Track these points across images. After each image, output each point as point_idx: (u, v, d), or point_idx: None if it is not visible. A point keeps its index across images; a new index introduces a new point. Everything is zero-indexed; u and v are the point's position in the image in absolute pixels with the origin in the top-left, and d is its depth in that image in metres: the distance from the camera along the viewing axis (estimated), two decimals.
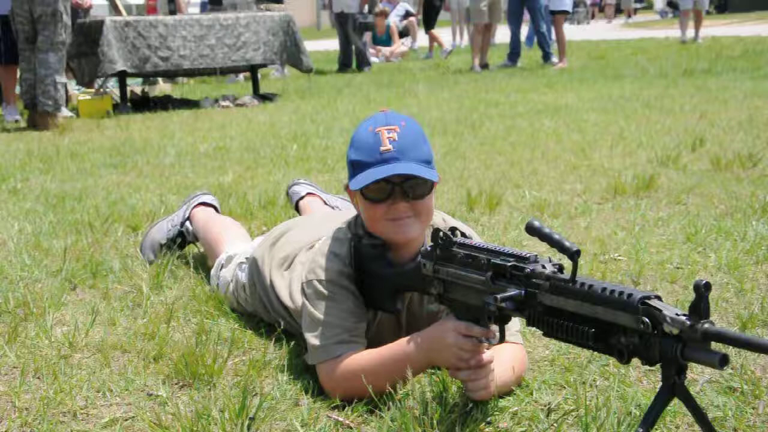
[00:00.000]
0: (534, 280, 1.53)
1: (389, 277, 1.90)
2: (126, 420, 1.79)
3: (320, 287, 1.92)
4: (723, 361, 1.25)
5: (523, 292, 1.54)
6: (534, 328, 1.57)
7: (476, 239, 1.96)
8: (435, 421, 1.66)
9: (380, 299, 1.94)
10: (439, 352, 1.76)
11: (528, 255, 1.58)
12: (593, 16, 35.68)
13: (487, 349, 1.75)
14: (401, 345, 1.82)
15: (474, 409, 1.74)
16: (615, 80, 9.19)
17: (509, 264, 1.58)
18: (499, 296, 1.54)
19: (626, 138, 5.28)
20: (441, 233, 1.75)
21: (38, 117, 6.97)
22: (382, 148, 1.84)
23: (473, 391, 1.75)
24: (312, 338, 1.90)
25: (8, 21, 7.09)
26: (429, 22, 16.45)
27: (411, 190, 1.86)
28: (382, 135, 1.85)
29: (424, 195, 1.88)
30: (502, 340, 1.70)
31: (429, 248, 1.78)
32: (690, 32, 14.72)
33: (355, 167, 1.89)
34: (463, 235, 1.79)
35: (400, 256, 1.92)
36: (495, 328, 1.69)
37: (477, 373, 1.74)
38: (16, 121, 7.40)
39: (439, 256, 1.75)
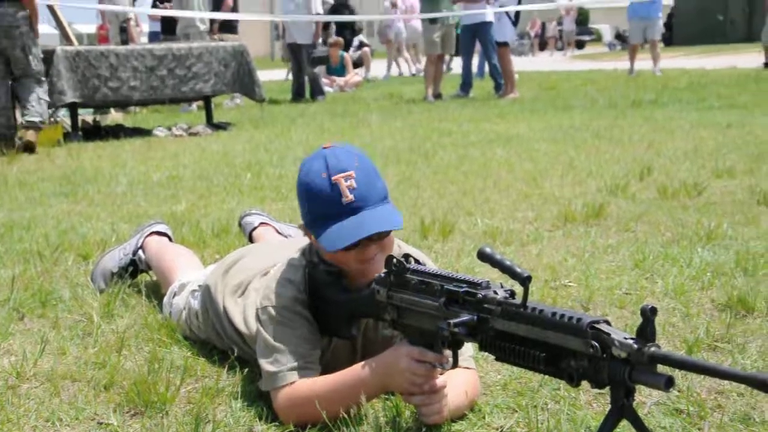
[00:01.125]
0: (486, 305, 1.55)
1: (344, 304, 1.91)
2: None
3: (274, 313, 1.93)
4: (669, 383, 1.29)
5: (475, 317, 1.56)
6: (486, 354, 1.60)
7: (430, 265, 1.98)
8: None
9: (335, 325, 1.94)
10: (392, 377, 1.77)
11: (480, 281, 1.60)
12: (542, 48, 36.36)
13: (441, 374, 1.77)
14: (355, 370, 1.83)
15: None
16: (565, 111, 9.36)
17: (462, 290, 1.61)
18: (452, 321, 1.56)
19: (576, 167, 5.38)
20: (394, 260, 1.76)
21: (26, 134, 7.01)
22: (344, 200, 1.83)
23: (426, 415, 1.76)
24: (266, 365, 1.90)
25: None
26: None
27: (379, 234, 1.87)
28: (341, 185, 1.83)
29: (390, 233, 1.91)
30: (455, 365, 1.72)
31: (383, 275, 1.80)
32: (639, 64, 14.91)
33: (318, 221, 1.88)
34: (416, 261, 1.81)
35: (356, 283, 1.94)
36: (448, 353, 1.71)
37: (430, 397, 1.75)
38: None
39: (393, 283, 1.77)
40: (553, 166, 5.45)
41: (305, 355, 1.90)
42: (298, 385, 1.85)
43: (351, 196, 1.83)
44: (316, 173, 1.87)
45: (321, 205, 1.86)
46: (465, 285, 1.62)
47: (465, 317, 1.57)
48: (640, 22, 14.22)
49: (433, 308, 1.66)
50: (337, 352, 2.02)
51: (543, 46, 37.39)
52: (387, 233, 1.90)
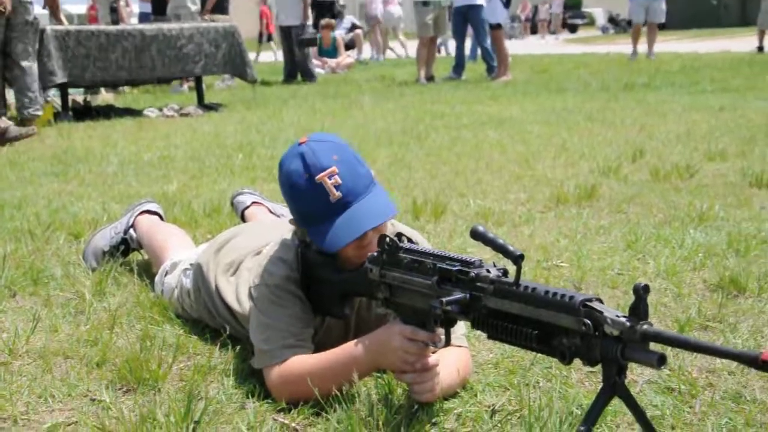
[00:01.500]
0: (479, 283, 1.55)
1: (337, 283, 1.90)
2: (68, 425, 1.76)
3: (266, 292, 1.92)
4: (661, 360, 1.29)
5: (468, 295, 1.56)
6: (479, 332, 1.60)
7: (423, 244, 1.98)
8: (381, 423, 1.67)
9: (328, 304, 1.94)
10: (384, 355, 1.77)
11: (473, 260, 1.60)
12: (533, 32, 36.25)
13: (433, 352, 1.77)
14: (348, 348, 1.83)
15: (419, 410, 1.76)
16: (558, 93, 9.35)
17: (455, 268, 1.60)
18: (444, 299, 1.56)
19: (569, 149, 5.38)
20: (387, 239, 1.76)
21: (27, 123, 6.95)
22: (331, 199, 1.80)
23: (418, 393, 1.76)
24: (259, 342, 1.90)
25: None
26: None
27: None
28: (326, 184, 1.80)
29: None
30: (447, 343, 1.72)
31: (376, 253, 1.79)
32: (641, 48, 14.58)
33: (309, 219, 1.86)
34: (409, 240, 1.80)
35: (349, 263, 1.93)
36: (441, 331, 1.71)
37: (422, 376, 1.75)
38: None
39: (385, 261, 1.76)
40: (545, 148, 5.45)
41: (297, 333, 1.90)
42: (291, 363, 1.85)
43: (338, 194, 1.80)
44: (297, 174, 1.82)
45: (308, 206, 1.83)
46: (458, 263, 1.61)
47: (458, 295, 1.56)
48: (644, 1, 13.98)
49: (426, 287, 1.65)
50: (329, 331, 2.02)
51: (534, 30, 37.26)
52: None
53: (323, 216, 1.82)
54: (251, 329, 1.94)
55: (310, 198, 1.81)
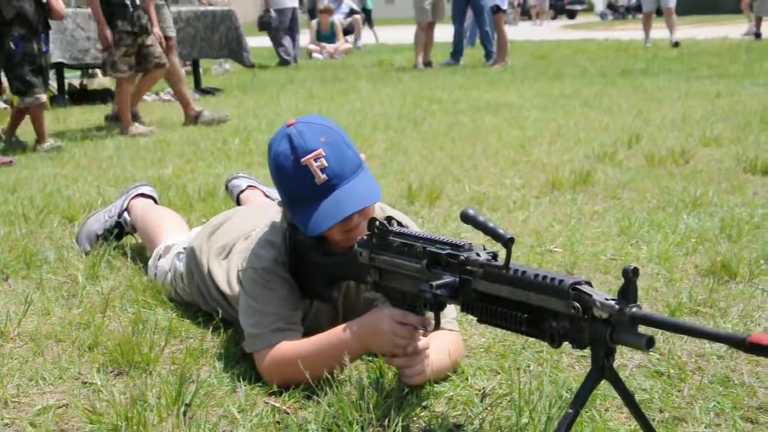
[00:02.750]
0: (468, 267, 1.54)
1: (325, 266, 1.90)
2: (59, 407, 1.77)
3: (255, 275, 1.92)
4: (649, 343, 1.29)
5: (457, 279, 1.55)
6: (470, 316, 1.60)
7: (413, 228, 1.99)
8: (371, 406, 1.67)
9: (317, 288, 1.94)
10: (375, 339, 1.77)
11: (463, 243, 1.59)
12: (532, 17, 36.00)
13: (423, 336, 1.77)
14: (338, 332, 1.83)
15: (410, 394, 1.76)
16: (556, 79, 9.33)
17: (444, 252, 1.60)
18: (434, 283, 1.55)
19: (565, 135, 5.37)
20: (377, 222, 1.75)
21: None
22: (317, 181, 1.79)
23: (409, 377, 1.77)
24: (249, 327, 1.90)
25: None
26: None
27: None
28: (311, 166, 1.78)
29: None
30: (437, 327, 1.71)
31: (365, 237, 1.79)
32: (654, 34, 14.08)
33: (295, 201, 1.85)
34: (399, 224, 1.80)
35: (338, 247, 1.93)
36: (431, 315, 1.71)
37: (413, 359, 1.75)
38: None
39: (375, 245, 1.76)
40: (541, 134, 5.45)
41: (287, 316, 1.90)
42: (281, 347, 1.85)
43: (323, 176, 1.78)
44: (284, 156, 1.80)
45: (294, 188, 1.82)
46: (448, 247, 1.60)
47: (447, 279, 1.56)
48: None
49: (416, 270, 1.65)
50: (319, 315, 2.02)
51: (525, 15, 36.96)
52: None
53: (308, 198, 1.81)
54: (240, 313, 1.95)
55: (295, 180, 1.80)
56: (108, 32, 5.90)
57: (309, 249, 1.90)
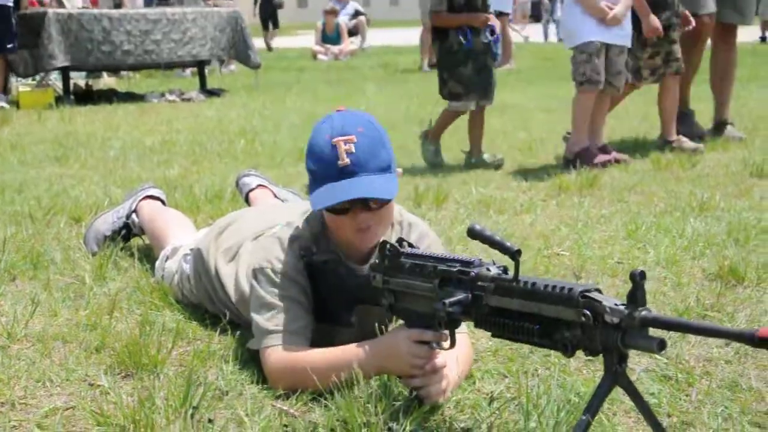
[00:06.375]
0: (479, 282, 1.56)
1: (342, 291, 1.91)
2: (66, 409, 1.76)
3: (273, 276, 1.91)
4: (661, 345, 1.30)
5: (469, 295, 1.57)
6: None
7: (429, 234, 2.04)
8: (379, 410, 1.67)
9: (335, 312, 1.94)
10: (392, 360, 1.75)
11: (473, 259, 1.61)
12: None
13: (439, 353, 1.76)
14: (353, 349, 1.80)
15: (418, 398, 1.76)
16: (562, 81, 9.28)
17: (455, 269, 1.61)
18: (447, 301, 1.57)
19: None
20: (388, 245, 1.77)
21: None
22: (339, 163, 1.82)
23: (428, 396, 1.73)
24: (263, 322, 1.88)
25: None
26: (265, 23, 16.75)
27: (371, 202, 1.86)
28: (339, 147, 1.82)
29: (384, 204, 1.89)
30: (452, 344, 1.71)
31: (377, 260, 1.80)
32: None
33: (315, 178, 1.87)
34: (410, 245, 1.80)
35: (351, 255, 1.94)
36: (446, 333, 1.71)
37: (431, 378, 1.73)
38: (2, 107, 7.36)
39: (387, 267, 1.77)
40: (548, 136, 5.45)
41: (301, 322, 1.89)
42: (293, 352, 1.84)
43: (347, 160, 1.82)
44: (322, 133, 1.86)
45: (319, 165, 1.86)
46: (458, 264, 1.62)
47: (460, 296, 1.58)
48: None
49: (428, 290, 1.66)
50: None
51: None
52: (381, 204, 1.88)
53: (326, 177, 1.83)
54: (253, 308, 1.93)
55: (321, 156, 1.84)
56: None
57: (324, 273, 1.91)
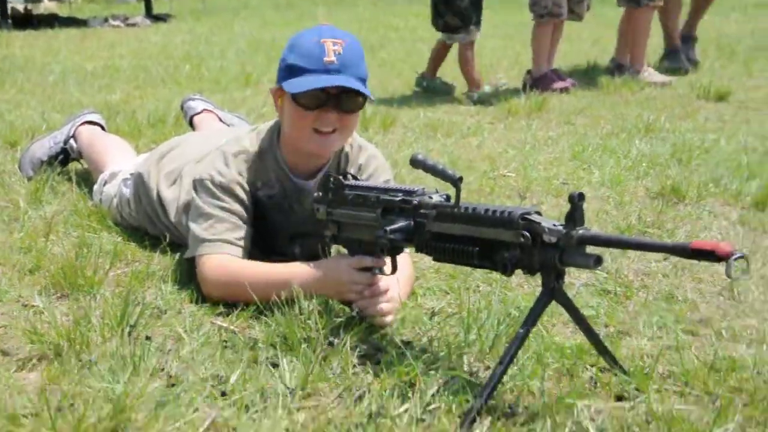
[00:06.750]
0: (422, 210, 1.58)
1: (286, 225, 1.92)
2: None
3: (212, 187, 1.91)
4: (597, 261, 1.32)
5: (411, 222, 1.59)
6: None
7: (377, 157, 2.06)
8: (320, 326, 1.66)
9: (279, 246, 1.96)
10: (332, 287, 1.75)
11: (415, 188, 1.63)
12: None
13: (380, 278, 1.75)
14: (293, 269, 1.80)
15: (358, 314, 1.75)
16: (517, 8, 9.23)
17: (398, 199, 1.63)
18: (388, 228, 1.59)
19: (522, 62, 5.34)
20: (332, 177, 1.77)
21: None
22: (326, 59, 1.82)
23: (371, 318, 1.73)
24: (199, 231, 1.88)
25: None
26: None
27: (344, 102, 1.86)
28: (328, 46, 1.83)
29: (355, 110, 1.89)
30: (394, 270, 1.72)
31: (321, 193, 1.80)
32: None
33: (293, 71, 1.86)
34: (354, 177, 1.81)
35: (302, 168, 1.93)
36: (387, 259, 1.72)
37: (372, 301, 1.74)
38: None
39: (331, 200, 1.78)
40: (499, 61, 5.42)
41: (238, 231, 1.89)
42: (229, 262, 1.83)
43: (333, 58, 1.82)
44: (308, 35, 1.87)
45: (303, 59, 1.84)
46: (401, 194, 1.63)
47: (401, 223, 1.60)
48: None
49: (372, 219, 1.67)
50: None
51: None
52: (351, 109, 1.88)
53: (309, 70, 1.82)
54: (191, 218, 1.93)
55: (307, 52, 1.84)
56: None
57: (268, 209, 1.91)
